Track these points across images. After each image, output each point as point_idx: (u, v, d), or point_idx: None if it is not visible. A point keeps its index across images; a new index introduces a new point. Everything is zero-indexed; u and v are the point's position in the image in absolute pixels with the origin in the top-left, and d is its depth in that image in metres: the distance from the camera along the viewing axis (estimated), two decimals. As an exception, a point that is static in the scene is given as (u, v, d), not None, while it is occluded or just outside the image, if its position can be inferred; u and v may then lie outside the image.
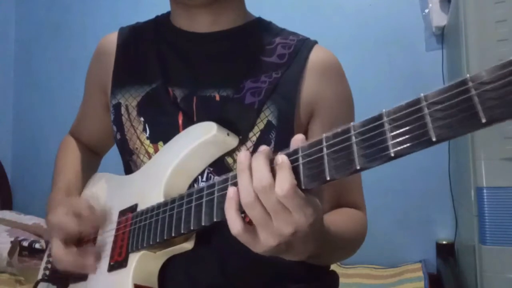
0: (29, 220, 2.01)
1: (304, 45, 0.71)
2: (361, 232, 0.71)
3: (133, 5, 2.43)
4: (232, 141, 0.63)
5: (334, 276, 0.78)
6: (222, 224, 0.64)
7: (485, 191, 1.25)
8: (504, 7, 1.23)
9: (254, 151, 0.64)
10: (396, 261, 1.82)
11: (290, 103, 0.67)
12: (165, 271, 0.63)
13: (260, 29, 0.75)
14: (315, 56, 0.70)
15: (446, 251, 1.78)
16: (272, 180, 0.43)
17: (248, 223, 0.46)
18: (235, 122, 0.64)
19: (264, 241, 0.45)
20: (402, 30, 1.96)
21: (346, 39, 2.01)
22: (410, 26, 1.95)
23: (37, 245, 1.55)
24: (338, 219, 0.66)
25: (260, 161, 0.44)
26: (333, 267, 0.78)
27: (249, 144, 0.65)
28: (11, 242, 1.67)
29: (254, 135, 0.65)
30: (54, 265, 0.69)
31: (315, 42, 0.73)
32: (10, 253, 1.62)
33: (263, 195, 0.43)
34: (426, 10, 1.92)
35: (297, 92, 0.68)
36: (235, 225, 0.45)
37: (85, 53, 2.63)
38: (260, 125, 0.66)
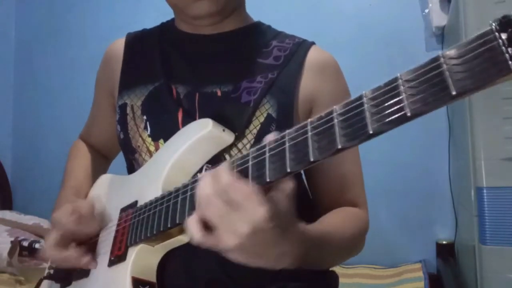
0: (29, 220, 2.01)
1: (301, 47, 0.74)
2: (359, 232, 0.71)
3: (133, 5, 2.43)
4: (228, 137, 0.64)
5: (334, 276, 0.78)
6: None
7: (485, 191, 1.25)
8: (504, 7, 1.23)
9: (254, 143, 0.66)
10: (396, 261, 1.82)
11: (289, 97, 0.70)
12: (164, 267, 0.64)
13: (258, 32, 0.78)
14: (313, 56, 0.73)
15: (446, 251, 1.79)
16: (211, 189, 0.46)
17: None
18: (231, 120, 0.66)
19: (226, 241, 0.46)
20: (402, 30, 1.96)
21: (346, 39, 2.01)
22: (410, 26, 1.95)
23: (37, 245, 1.54)
24: (333, 221, 0.67)
25: (204, 176, 0.48)
26: (333, 267, 0.78)
27: (245, 141, 0.67)
28: (11, 242, 1.66)
29: (254, 128, 0.67)
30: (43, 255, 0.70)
31: (313, 43, 0.76)
32: (10, 253, 1.62)
33: (209, 200, 0.46)
34: (426, 10, 1.92)
35: (295, 87, 0.71)
36: (194, 234, 0.48)
37: (85, 53, 2.65)
38: (260, 118, 0.68)
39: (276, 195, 0.46)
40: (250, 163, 0.46)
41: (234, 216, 0.45)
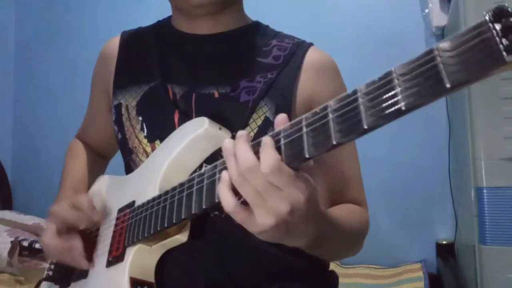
0: (29, 220, 2.00)
1: (300, 47, 0.74)
2: (362, 225, 0.71)
3: (133, 5, 2.43)
4: (224, 135, 0.63)
5: (334, 276, 0.78)
6: (219, 217, 0.65)
7: (485, 191, 1.25)
8: (504, 7, 1.23)
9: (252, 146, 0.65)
10: (396, 261, 1.82)
11: (287, 99, 0.69)
12: (163, 267, 0.64)
13: (257, 32, 0.77)
14: (311, 56, 0.73)
15: (446, 251, 1.78)
16: (256, 161, 0.43)
17: (243, 203, 0.46)
18: (229, 119, 0.66)
19: (261, 220, 0.44)
20: (402, 30, 1.96)
21: (346, 39, 2.01)
22: (410, 26, 1.95)
23: (37, 245, 1.55)
24: (338, 211, 0.67)
25: (241, 145, 0.44)
26: (333, 267, 0.78)
27: None
28: (11, 242, 1.67)
29: (252, 131, 0.67)
30: (44, 249, 0.71)
31: (311, 44, 0.76)
32: (10, 253, 1.62)
33: (251, 175, 0.43)
34: (426, 10, 1.92)
35: (293, 89, 0.70)
36: (228, 202, 0.45)
37: (85, 53, 2.65)
38: (258, 121, 0.67)
39: (304, 174, 0.45)
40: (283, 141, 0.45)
41: (275, 195, 0.43)
